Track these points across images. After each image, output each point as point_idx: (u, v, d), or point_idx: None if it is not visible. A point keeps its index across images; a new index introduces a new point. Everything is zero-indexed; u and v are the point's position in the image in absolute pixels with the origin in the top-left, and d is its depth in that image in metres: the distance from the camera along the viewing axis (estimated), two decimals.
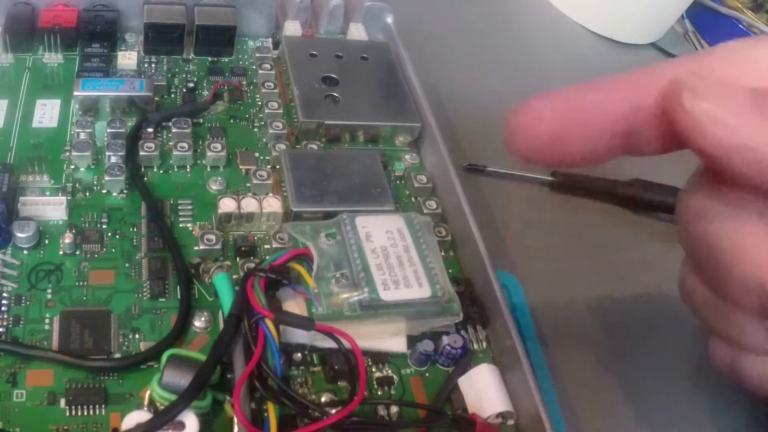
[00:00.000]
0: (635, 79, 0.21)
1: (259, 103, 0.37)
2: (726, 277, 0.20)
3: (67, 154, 0.32)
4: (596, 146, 0.21)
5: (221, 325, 0.27)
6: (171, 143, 0.33)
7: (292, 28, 0.40)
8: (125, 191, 0.31)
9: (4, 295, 0.27)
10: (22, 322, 0.26)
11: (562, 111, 0.21)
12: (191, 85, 0.37)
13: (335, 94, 0.36)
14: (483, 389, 0.27)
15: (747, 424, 0.32)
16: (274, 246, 0.30)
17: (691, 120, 0.19)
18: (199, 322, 0.27)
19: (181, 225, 0.30)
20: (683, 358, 0.33)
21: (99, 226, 0.30)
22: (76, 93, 0.33)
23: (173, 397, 0.23)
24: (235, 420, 0.23)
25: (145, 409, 0.23)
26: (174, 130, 0.33)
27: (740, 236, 0.20)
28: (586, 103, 0.21)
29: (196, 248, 0.29)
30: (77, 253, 0.29)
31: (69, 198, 0.30)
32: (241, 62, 0.39)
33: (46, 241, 0.29)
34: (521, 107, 0.22)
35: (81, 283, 0.28)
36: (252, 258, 0.30)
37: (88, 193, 0.31)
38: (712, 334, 0.24)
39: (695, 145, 0.19)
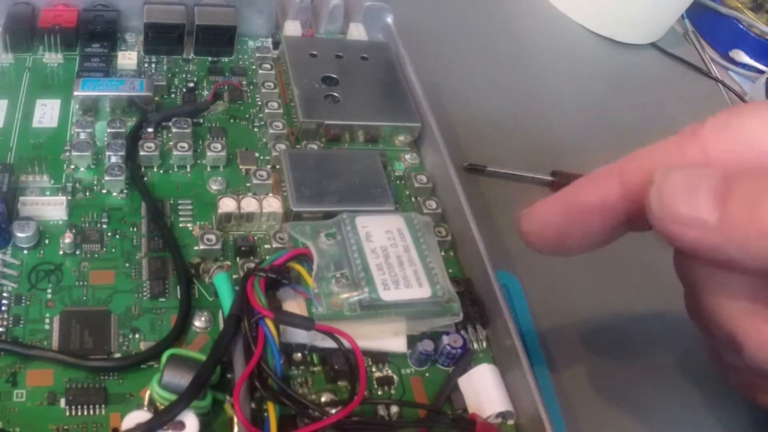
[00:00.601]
0: (621, 166, 0.22)
1: (259, 103, 0.37)
2: (703, 313, 0.22)
3: (67, 154, 0.32)
4: (596, 238, 0.23)
5: (221, 325, 0.27)
6: (171, 143, 0.33)
7: (292, 28, 0.40)
8: (125, 191, 0.31)
9: (4, 295, 0.27)
10: (22, 322, 0.26)
11: (561, 216, 0.23)
12: (191, 85, 0.37)
13: (335, 94, 0.36)
14: (483, 389, 0.27)
15: (746, 427, 0.32)
16: (274, 246, 0.30)
17: (665, 226, 0.19)
18: (199, 322, 0.27)
19: (181, 225, 0.30)
20: (683, 358, 0.33)
21: (99, 226, 0.30)
22: (76, 93, 0.33)
23: (173, 397, 0.23)
24: (235, 420, 0.23)
25: (145, 409, 0.23)
26: (174, 130, 0.33)
27: (738, 319, 0.21)
28: (581, 204, 0.23)
29: (196, 248, 0.29)
30: (77, 253, 0.29)
31: (69, 198, 0.30)
32: (241, 62, 0.39)
33: (46, 241, 0.29)
34: (527, 214, 0.24)
35: (81, 283, 0.28)
36: (252, 258, 0.30)
37: (88, 193, 0.31)
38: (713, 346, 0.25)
39: (678, 247, 0.20)
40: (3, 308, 0.26)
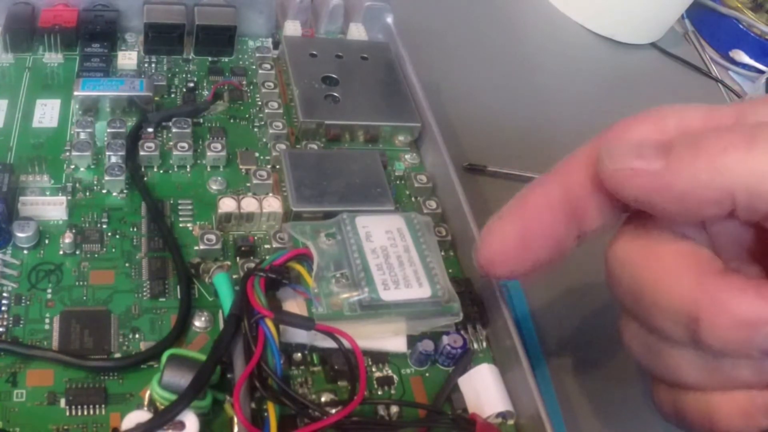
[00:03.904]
0: (555, 170, 0.24)
1: (259, 103, 0.37)
2: (656, 314, 0.22)
3: (67, 154, 0.32)
4: (557, 234, 0.24)
5: (221, 325, 0.27)
6: (171, 143, 0.33)
7: (292, 28, 0.40)
8: (125, 191, 0.31)
9: (4, 295, 0.27)
10: (22, 322, 0.26)
11: (515, 224, 0.24)
12: (191, 85, 0.37)
13: (335, 94, 0.36)
14: (483, 389, 0.27)
15: None
16: (274, 246, 0.30)
17: (615, 179, 0.22)
18: (199, 322, 0.27)
19: (181, 225, 0.30)
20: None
21: (99, 226, 0.30)
22: (76, 93, 0.33)
23: (173, 397, 0.23)
24: (235, 420, 0.23)
25: (145, 409, 0.23)
26: (174, 130, 0.33)
27: (661, 271, 0.22)
28: (529, 206, 0.24)
29: (196, 248, 0.29)
30: (77, 253, 0.29)
31: (69, 198, 0.30)
32: (241, 62, 0.39)
33: (46, 241, 0.29)
34: (479, 242, 0.25)
35: (81, 283, 0.28)
36: (252, 258, 0.30)
37: (88, 193, 0.31)
38: (655, 381, 0.25)
39: (625, 198, 0.22)
40: (3, 308, 0.26)
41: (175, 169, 0.33)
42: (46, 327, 0.26)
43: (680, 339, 0.21)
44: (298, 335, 0.26)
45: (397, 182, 0.35)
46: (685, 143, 0.21)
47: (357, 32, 0.41)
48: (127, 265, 0.29)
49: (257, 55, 0.39)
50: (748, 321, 0.20)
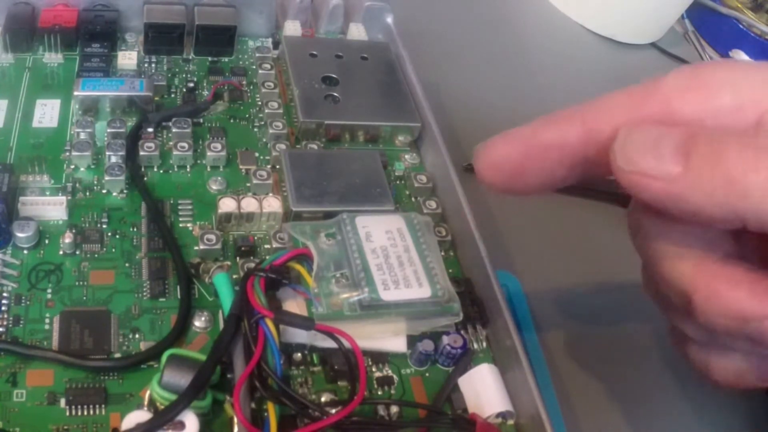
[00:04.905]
0: (583, 112, 0.23)
1: (259, 103, 0.37)
2: (660, 281, 0.23)
3: (67, 154, 0.32)
4: (554, 176, 0.23)
5: (221, 325, 0.27)
6: (171, 143, 0.33)
7: (292, 28, 0.40)
8: (125, 191, 0.31)
9: (4, 295, 0.27)
10: (22, 322, 0.26)
11: (520, 152, 0.24)
12: (191, 85, 0.37)
13: (335, 94, 0.36)
14: (483, 389, 0.27)
15: (746, 423, 0.32)
16: (274, 246, 0.30)
17: (629, 180, 0.21)
18: (199, 322, 0.27)
19: (181, 225, 0.30)
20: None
21: (99, 226, 0.30)
22: (76, 93, 0.33)
23: (173, 397, 0.23)
24: (235, 420, 0.23)
25: (145, 409, 0.23)
26: (174, 130, 0.33)
27: (666, 247, 0.22)
28: (541, 141, 0.23)
29: (196, 248, 0.29)
30: (77, 253, 0.29)
31: (69, 198, 0.30)
32: (241, 62, 0.39)
33: (46, 241, 0.29)
34: (484, 148, 0.24)
35: (81, 283, 0.28)
36: (252, 258, 0.30)
37: (88, 193, 0.31)
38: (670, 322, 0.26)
39: (637, 198, 0.21)
40: (3, 308, 0.26)
41: (175, 169, 0.33)
42: (46, 327, 0.26)
43: (680, 307, 0.22)
44: (298, 335, 0.26)
45: (397, 182, 0.35)
46: (706, 154, 0.20)
47: (357, 32, 0.41)
48: (127, 265, 0.29)
49: (257, 55, 0.39)
50: (736, 315, 0.20)
